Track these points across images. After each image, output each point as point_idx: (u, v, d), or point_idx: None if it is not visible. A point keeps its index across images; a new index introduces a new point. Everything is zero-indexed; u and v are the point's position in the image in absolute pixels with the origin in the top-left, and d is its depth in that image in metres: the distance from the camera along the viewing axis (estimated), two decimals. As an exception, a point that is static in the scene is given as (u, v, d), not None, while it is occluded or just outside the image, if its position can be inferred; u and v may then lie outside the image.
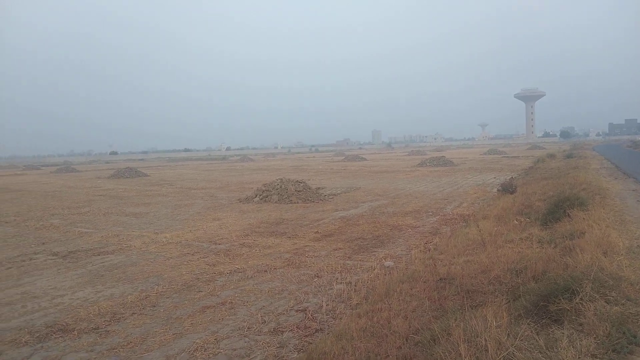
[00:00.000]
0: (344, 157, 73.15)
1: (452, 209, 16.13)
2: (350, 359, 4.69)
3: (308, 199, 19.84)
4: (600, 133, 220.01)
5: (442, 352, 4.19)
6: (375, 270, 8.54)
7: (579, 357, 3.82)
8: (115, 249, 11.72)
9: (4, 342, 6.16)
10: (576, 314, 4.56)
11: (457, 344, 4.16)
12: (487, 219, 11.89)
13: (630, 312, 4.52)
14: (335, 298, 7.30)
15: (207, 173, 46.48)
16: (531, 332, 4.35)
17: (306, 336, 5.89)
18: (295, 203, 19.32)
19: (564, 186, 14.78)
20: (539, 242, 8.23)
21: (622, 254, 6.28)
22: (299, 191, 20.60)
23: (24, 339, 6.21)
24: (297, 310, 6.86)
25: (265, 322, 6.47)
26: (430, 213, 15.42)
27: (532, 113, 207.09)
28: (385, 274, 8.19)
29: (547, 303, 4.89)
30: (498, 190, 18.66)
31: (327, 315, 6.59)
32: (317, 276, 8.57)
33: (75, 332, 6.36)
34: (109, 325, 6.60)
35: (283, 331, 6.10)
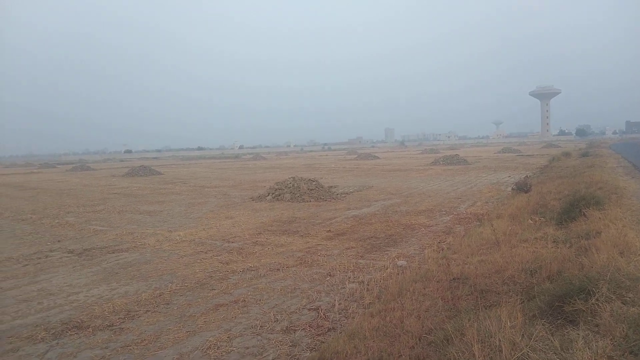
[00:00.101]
0: (356, 156, 73.02)
1: (466, 208, 16.02)
2: (363, 359, 4.68)
3: (320, 198, 19.84)
4: (617, 131, 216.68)
5: (456, 353, 4.16)
6: (388, 269, 8.52)
7: (595, 359, 3.77)
8: (129, 246, 11.82)
9: (21, 338, 6.25)
10: (592, 315, 4.50)
11: (471, 344, 4.13)
12: (502, 218, 11.79)
13: (647, 314, 4.45)
14: (348, 297, 7.29)
15: (220, 171, 46.71)
16: (546, 332, 4.30)
17: (318, 335, 5.89)
18: (307, 202, 19.33)
19: (579, 185, 14.60)
20: (554, 241, 8.14)
21: (639, 254, 6.18)
22: (311, 190, 20.61)
23: (40, 336, 6.29)
24: (309, 309, 6.87)
25: (277, 320, 6.48)
26: (443, 212, 15.33)
27: (547, 111, 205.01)
28: (398, 274, 8.16)
29: (562, 303, 4.84)
30: (512, 189, 18.50)
31: (339, 314, 6.58)
32: (330, 275, 8.56)
33: (90, 329, 6.43)
34: (123, 322, 6.66)
35: (295, 330, 6.11)
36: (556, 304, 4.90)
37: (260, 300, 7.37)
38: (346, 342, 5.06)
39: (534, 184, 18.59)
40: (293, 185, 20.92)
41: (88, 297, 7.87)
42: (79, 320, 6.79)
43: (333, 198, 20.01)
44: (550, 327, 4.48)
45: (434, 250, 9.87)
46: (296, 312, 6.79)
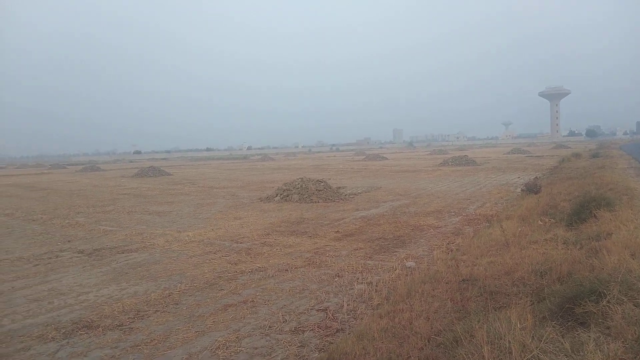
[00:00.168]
0: (364, 157, 72.94)
1: (475, 209, 15.95)
2: (372, 360, 4.67)
3: (329, 199, 19.83)
4: (628, 132, 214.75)
5: (465, 354, 4.14)
6: (397, 270, 8.49)
7: (606, 362, 3.74)
8: (139, 247, 11.89)
9: (32, 337, 6.31)
10: (603, 317, 4.46)
11: (481, 345, 4.11)
12: (511, 219, 11.72)
13: (660, 316, 4.41)
14: (356, 298, 7.28)
15: (228, 172, 46.85)
16: (556, 334, 4.26)
17: (327, 336, 5.89)
18: (315, 202, 19.33)
19: (589, 186, 14.49)
20: (564, 243, 8.08)
21: (651, 256, 6.12)
22: (319, 190, 20.61)
23: (50, 335, 6.34)
24: (318, 310, 6.87)
25: (286, 321, 6.48)
26: (452, 213, 15.27)
27: (557, 112, 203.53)
28: (407, 275, 8.14)
29: (573, 305, 4.80)
30: (522, 190, 18.40)
31: (348, 315, 6.57)
32: (338, 276, 8.56)
33: (100, 329, 6.47)
34: (132, 322, 6.70)
35: (304, 330, 6.11)
36: (566, 305, 4.86)
37: (268, 300, 7.38)
38: (355, 343, 5.05)
39: (544, 185, 18.48)
40: (301, 186, 20.94)
41: (98, 297, 7.93)
42: (89, 320, 6.84)
43: (341, 199, 20.00)
44: (561, 329, 4.45)
45: (442, 251, 9.83)
46: (305, 312, 6.79)
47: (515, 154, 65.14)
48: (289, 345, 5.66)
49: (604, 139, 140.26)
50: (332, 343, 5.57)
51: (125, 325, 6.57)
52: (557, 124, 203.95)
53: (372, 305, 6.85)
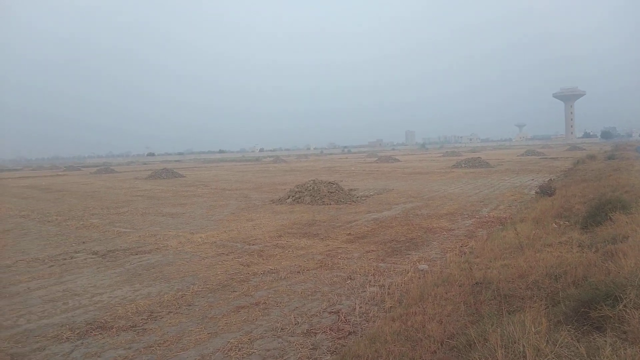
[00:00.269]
0: (376, 158, 72.82)
1: (489, 211, 15.83)
2: (384, 363, 4.65)
3: (340, 201, 19.82)
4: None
5: (479, 358, 4.11)
6: (409, 273, 8.45)
7: (623, 367, 3.68)
8: (152, 248, 11.98)
9: (47, 337, 6.38)
10: (619, 321, 4.40)
11: (494, 349, 4.07)
12: (525, 222, 11.62)
13: (678, 321, 4.33)
14: (369, 301, 7.26)
15: (240, 174, 47.04)
16: (571, 339, 4.21)
17: (339, 338, 5.88)
18: (327, 204, 19.33)
19: (605, 188, 14.32)
20: (579, 246, 7.99)
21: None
22: (331, 192, 20.61)
23: (65, 335, 6.41)
24: (330, 312, 6.86)
25: (298, 323, 6.48)
26: (465, 216, 15.17)
27: (571, 113, 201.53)
28: (420, 278, 8.10)
29: (588, 309, 4.74)
30: (536, 192, 18.24)
31: (360, 317, 6.56)
32: (350, 278, 8.54)
33: (114, 330, 6.52)
34: (146, 323, 6.74)
35: (316, 333, 6.10)
36: (582, 309, 4.80)
37: (280, 302, 7.39)
38: (367, 346, 5.04)
39: (558, 188, 18.30)
40: (313, 188, 20.95)
41: (112, 298, 7.99)
42: (103, 321, 6.90)
43: (353, 201, 19.97)
44: (576, 333, 4.39)
45: (456, 254, 9.76)
46: (317, 315, 6.79)
47: (529, 155, 64.61)
48: (301, 348, 5.65)
49: (620, 141, 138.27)
50: (344, 346, 5.56)
51: (139, 326, 6.62)
52: (571, 126, 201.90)
53: (384, 308, 6.83)
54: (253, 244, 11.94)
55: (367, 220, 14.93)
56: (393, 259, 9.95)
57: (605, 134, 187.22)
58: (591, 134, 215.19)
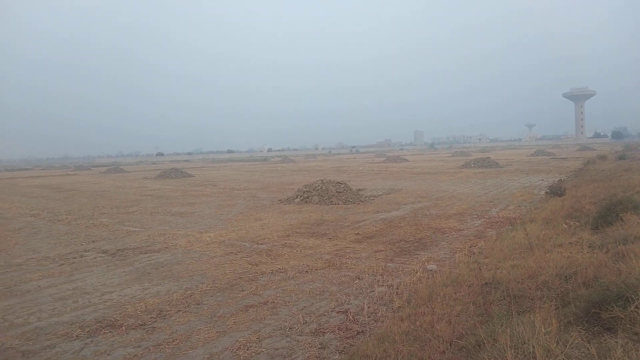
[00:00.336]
0: (385, 158, 72.69)
1: (498, 211, 15.74)
2: (393, 363, 4.64)
3: (349, 200, 19.80)
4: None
5: (488, 358, 4.09)
6: (418, 273, 8.43)
7: (635, 368, 3.64)
8: (161, 247, 12.03)
9: (57, 335, 6.43)
10: (631, 322, 4.35)
11: (504, 350, 4.05)
12: (535, 222, 11.54)
13: (690, 322, 4.28)
14: (377, 301, 7.24)
15: (249, 174, 47.14)
16: (582, 340, 4.18)
17: (347, 338, 5.87)
18: (335, 204, 19.32)
19: (616, 189, 14.19)
20: (590, 246, 7.92)
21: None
22: (339, 192, 20.60)
23: (75, 333, 6.45)
24: (338, 312, 6.85)
25: (306, 322, 6.48)
26: (474, 216, 15.10)
27: (581, 113, 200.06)
28: (428, 278, 8.07)
29: (599, 310, 4.69)
30: (546, 192, 18.12)
31: (368, 317, 6.55)
32: (358, 278, 8.53)
33: (123, 328, 6.56)
34: (155, 321, 6.77)
35: (324, 332, 6.10)
36: (592, 310, 4.76)
37: (289, 302, 7.40)
38: (376, 345, 5.03)
39: (568, 188, 18.15)
40: (321, 188, 20.95)
41: (121, 297, 8.04)
42: (112, 319, 6.94)
43: (361, 201, 19.95)
44: (587, 334, 4.36)
45: (465, 254, 9.72)
46: (325, 314, 6.78)
47: (539, 156, 64.19)
48: (310, 347, 5.66)
49: (631, 141, 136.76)
50: (352, 345, 5.55)
51: (148, 325, 6.65)
52: (581, 126, 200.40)
53: (393, 308, 6.81)
54: (261, 244, 11.97)
55: (376, 220, 14.90)
56: (401, 259, 9.92)
57: (616, 134, 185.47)
58: (602, 134, 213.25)
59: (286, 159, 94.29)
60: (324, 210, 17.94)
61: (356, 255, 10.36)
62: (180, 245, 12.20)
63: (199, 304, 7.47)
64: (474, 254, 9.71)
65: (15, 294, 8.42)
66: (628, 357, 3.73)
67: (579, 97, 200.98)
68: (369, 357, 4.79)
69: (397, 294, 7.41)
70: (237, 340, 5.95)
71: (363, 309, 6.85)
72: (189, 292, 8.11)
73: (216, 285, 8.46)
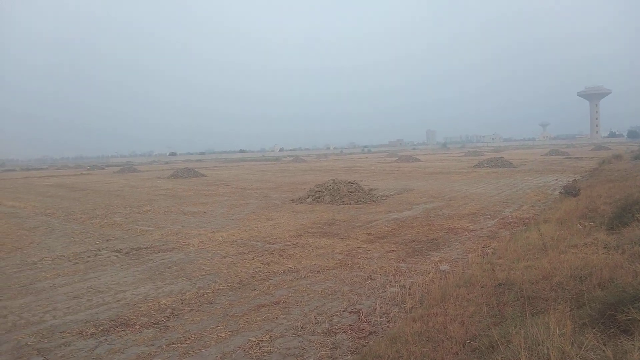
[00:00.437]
0: (397, 158, 72.44)
1: (511, 212, 15.61)
2: (405, 363, 4.62)
3: (360, 200, 19.76)
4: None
5: (502, 360, 4.05)
6: (430, 274, 8.39)
7: (652, 371, 3.59)
8: (174, 246, 12.11)
9: (72, 333, 6.50)
10: (648, 325, 4.29)
11: (518, 351, 4.01)
12: (549, 222, 11.43)
13: None
14: (389, 301, 7.22)
15: (261, 174, 47.27)
16: (597, 342, 4.12)
17: (360, 338, 5.86)
18: (347, 204, 19.29)
19: (632, 189, 14.00)
20: (605, 247, 7.82)
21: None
22: (351, 192, 20.57)
23: (89, 331, 6.52)
24: (350, 312, 6.84)
25: (318, 322, 6.48)
26: (488, 216, 14.99)
27: (596, 112, 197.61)
28: (441, 278, 8.02)
29: (615, 312, 4.63)
30: (560, 192, 17.93)
31: (380, 318, 6.53)
32: (370, 278, 8.51)
33: (137, 327, 6.61)
34: (168, 320, 6.82)
35: (336, 332, 6.10)
36: (608, 312, 4.70)
37: (301, 301, 7.40)
38: (388, 346, 5.01)
39: (583, 188, 17.95)
40: (333, 188, 20.94)
41: (135, 295, 8.11)
42: (126, 318, 7.00)
43: (373, 201, 19.90)
44: (602, 336, 4.30)
45: (478, 255, 9.66)
46: (337, 314, 6.78)
47: (553, 155, 63.54)
48: (322, 347, 5.66)
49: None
50: (364, 346, 5.54)
51: (161, 324, 6.70)
52: (596, 125, 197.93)
53: (405, 309, 6.79)
54: (273, 243, 11.99)
55: (388, 220, 14.86)
56: (414, 259, 9.88)
57: (632, 134, 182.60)
58: (617, 133, 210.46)
59: (298, 158, 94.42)
60: (336, 210, 17.94)
61: (368, 255, 10.34)
62: (193, 244, 12.27)
63: (211, 303, 7.50)
64: (487, 254, 9.64)
65: (31, 292, 8.53)
66: (645, 360, 3.68)
67: (593, 96, 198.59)
68: (381, 357, 4.78)
69: (409, 294, 7.38)
70: (250, 340, 5.97)
71: (375, 309, 6.83)
72: (201, 291, 8.16)
73: (228, 284, 8.50)
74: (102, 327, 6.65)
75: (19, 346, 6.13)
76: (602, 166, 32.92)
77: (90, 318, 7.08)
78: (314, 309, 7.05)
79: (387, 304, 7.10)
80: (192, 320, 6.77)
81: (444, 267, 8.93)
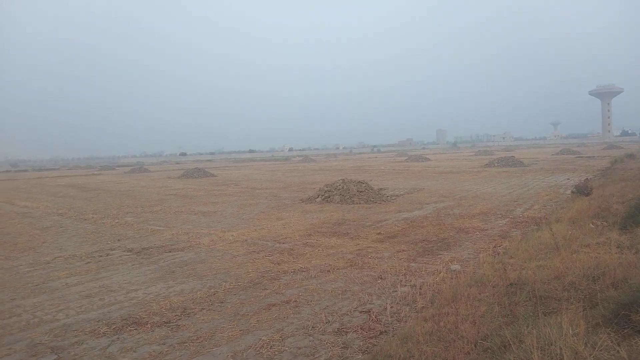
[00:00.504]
0: (406, 158, 72.24)
1: (523, 211, 15.50)
2: (416, 363, 4.60)
3: (370, 200, 19.73)
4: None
5: (514, 359, 4.03)
6: (441, 273, 8.35)
7: (667, 372, 3.55)
8: (185, 246, 12.17)
9: (85, 332, 6.55)
10: (663, 325, 4.25)
11: (530, 351, 3.98)
12: (561, 222, 11.34)
13: None
14: (400, 301, 7.20)
15: (270, 173, 47.34)
16: (611, 342, 4.09)
17: (370, 338, 5.85)
18: (357, 204, 19.27)
19: (645, 188, 13.84)
20: (618, 247, 7.75)
21: None
22: (360, 192, 20.54)
23: (102, 330, 6.57)
24: (360, 312, 6.84)
25: (329, 322, 6.48)
26: (499, 215, 14.90)
27: (608, 111, 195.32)
28: (452, 278, 7.99)
29: (629, 312, 4.59)
30: (572, 192, 17.76)
31: (391, 317, 6.51)
32: (381, 278, 8.49)
33: (149, 325, 6.65)
34: (179, 319, 6.86)
35: (347, 332, 6.09)
36: (622, 312, 4.65)
37: (311, 301, 7.41)
38: (399, 345, 5.00)
39: (595, 187, 17.78)
40: (342, 188, 20.92)
41: (146, 295, 8.16)
42: (137, 317, 7.04)
43: (383, 200, 19.86)
44: (616, 336, 4.27)
45: (489, 254, 9.60)
46: (347, 314, 6.77)
47: (565, 154, 63.01)
48: (332, 346, 5.65)
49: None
50: (375, 345, 5.54)
51: (173, 323, 6.73)
52: (608, 124, 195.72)
53: (416, 308, 6.77)
54: (283, 243, 12.01)
55: (398, 220, 14.82)
56: (424, 259, 9.85)
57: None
58: (630, 132, 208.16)
59: (307, 158, 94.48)
60: (346, 209, 17.92)
61: (378, 255, 10.32)
62: (203, 244, 12.32)
63: (222, 302, 7.53)
64: (498, 254, 9.58)
65: (44, 292, 8.61)
66: (660, 360, 3.64)
67: (605, 95, 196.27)
68: (392, 357, 4.77)
69: (420, 294, 7.35)
70: (260, 339, 5.99)
71: (386, 308, 6.82)
72: (212, 290, 8.19)
73: (239, 283, 8.52)
74: (114, 326, 6.70)
75: (33, 344, 6.20)
76: (615, 165, 32.61)
77: (102, 317, 7.13)
78: (325, 308, 7.05)
79: (397, 303, 7.08)
80: (203, 319, 6.80)
81: (455, 266, 8.89)
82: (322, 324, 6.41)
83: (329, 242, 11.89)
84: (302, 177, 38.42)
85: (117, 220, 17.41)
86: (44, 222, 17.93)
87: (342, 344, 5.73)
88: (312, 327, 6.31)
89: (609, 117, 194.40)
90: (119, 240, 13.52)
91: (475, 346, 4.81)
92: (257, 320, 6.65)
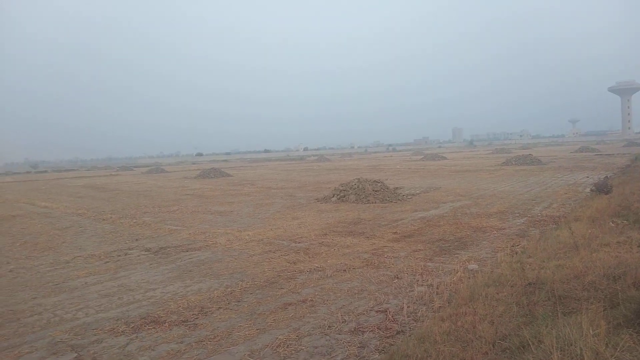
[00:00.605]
0: (422, 156, 71.86)
1: (541, 210, 15.31)
2: (434, 363, 4.58)
3: (386, 199, 19.66)
4: None
5: (533, 360, 3.99)
6: (459, 273, 8.28)
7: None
8: (202, 245, 12.26)
9: (104, 330, 6.64)
10: (686, 325, 4.16)
11: (550, 351, 3.94)
12: (580, 220, 11.18)
13: None
14: (417, 300, 7.16)
15: (285, 173, 47.46)
16: (633, 343, 4.02)
17: (387, 337, 5.83)
18: (372, 203, 19.22)
19: (667, 186, 13.58)
20: (639, 246, 7.62)
21: None
22: (376, 191, 20.48)
23: (120, 329, 6.65)
24: (377, 311, 6.82)
25: (345, 321, 6.48)
26: (516, 214, 14.74)
27: (628, 107, 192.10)
28: (469, 277, 7.93)
29: (652, 313, 4.51)
30: (591, 190, 17.50)
31: (408, 317, 6.48)
32: (397, 277, 8.46)
33: (167, 324, 6.71)
34: (197, 318, 6.91)
35: (364, 331, 6.08)
36: (644, 312, 4.58)
37: (327, 300, 7.41)
38: (416, 345, 4.98)
39: (615, 185, 17.49)
40: (358, 187, 20.88)
41: (164, 294, 8.23)
42: (155, 315, 7.11)
43: (399, 199, 19.77)
44: (638, 337, 4.19)
45: (507, 253, 9.49)
46: (364, 313, 6.76)
47: (583, 152, 62.07)
48: (349, 346, 5.65)
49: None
50: (392, 345, 5.52)
51: (190, 321, 6.79)
52: (628, 121, 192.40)
53: (433, 308, 6.73)
54: (299, 242, 12.03)
55: (414, 219, 14.75)
56: (441, 258, 9.78)
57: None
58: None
59: (322, 157, 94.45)
60: (361, 209, 17.89)
61: (394, 254, 10.28)
62: (220, 243, 12.40)
63: (239, 302, 7.57)
64: (516, 253, 9.47)
65: (64, 291, 8.74)
66: (684, 361, 3.57)
67: (625, 91, 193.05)
68: (409, 357, 4.75)
69: (437, 293, 7.31)
70: (277, 338, 6.01)
71: (402, 308, 6.79)
72: (229, 289, 8.24)
73: (255, 283, 8.56)
74: (132, 325, 6.78)
75: (53, 342, 6.30)
76: (635, 163, 32.03)
77: (121, 316, 7.22)
78: (341, 307, 7.04)
79: (414, 303, 7.05)
80: (220, 318, 6.85)
81: (473, 266, 8.82)
82: (339, 323, 6.41)
83: (345, 241, 11.88)
84: (317, 177, 38.44)
85: (135, 220, 17.61)
86: (63, 222, 18.21)
87: (359, 343, 5.72)
88: (329, 326, 6.32)
89: (629, 114, 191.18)
90: (137, 240, 13.67)
91: (493, 346, 4.77)
92: (274, 320, 6.67)
